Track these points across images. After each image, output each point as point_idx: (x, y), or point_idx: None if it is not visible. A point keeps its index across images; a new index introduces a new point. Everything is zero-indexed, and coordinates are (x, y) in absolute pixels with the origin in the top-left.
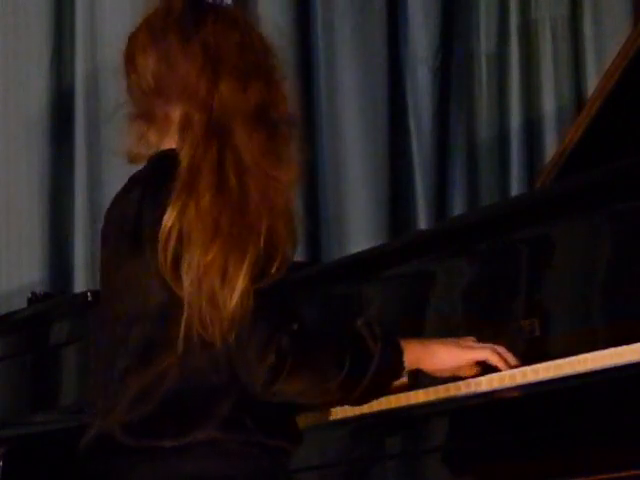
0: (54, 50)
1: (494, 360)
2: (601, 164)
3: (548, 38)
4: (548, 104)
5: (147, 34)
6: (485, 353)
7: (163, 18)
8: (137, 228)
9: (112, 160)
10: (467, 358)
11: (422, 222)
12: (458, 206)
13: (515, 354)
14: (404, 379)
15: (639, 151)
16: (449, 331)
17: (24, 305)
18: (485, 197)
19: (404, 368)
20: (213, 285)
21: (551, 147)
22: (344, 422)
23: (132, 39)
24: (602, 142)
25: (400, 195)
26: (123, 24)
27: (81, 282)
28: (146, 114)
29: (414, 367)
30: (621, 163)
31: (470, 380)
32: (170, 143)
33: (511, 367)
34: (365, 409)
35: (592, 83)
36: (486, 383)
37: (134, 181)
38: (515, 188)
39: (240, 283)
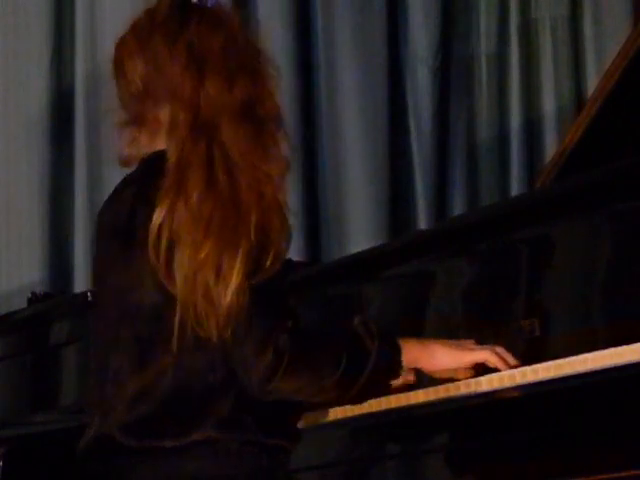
0: (54, 50)
1: (493, 361)
2: (601, 164)
3: (548, 38)
4: (548, 104)
5: (134, 38)
6: (484, 354)
7: (149, 21)
8: (130, 228)
9: (112, 160)
10: (466, 360)
11: (422, 222)
12: (458, 206)
13: (515, 354)
14: (410, 377)
15: (639, 151)
16: (449, 331)
17: (24, 305)
18: (485, 197)
19: (402, 367)
20: (208, 281)
21: (551, 147)
22: (344, 422)
23: (119, 44)
24: (602, 142)
25: (400, 195)
26: (123, 24)
27: (81, 282)
28: (137, 117)
29: (412, 366)
30: (621, 163)
31: (470, 380)
32: (161, 144)
33: (511, 368)
34: (365, 409)
35: (592, 83)
36: (486, 383)
37: (126, 182)
38: (515, 188)
39: (234, 279)
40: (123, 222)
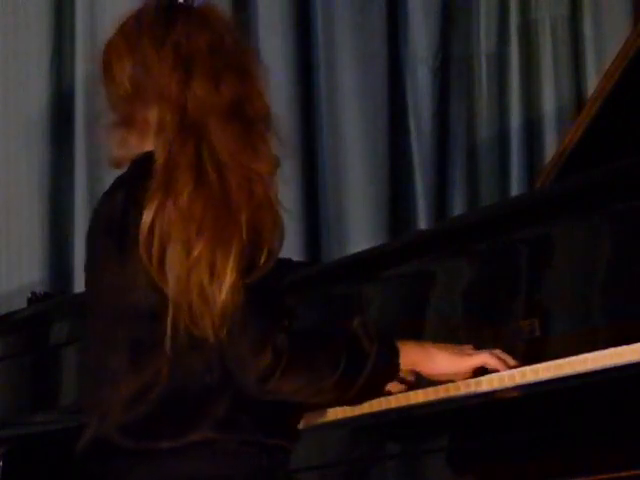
0: (54, 50)
1: (492, 363)
2: (601, 164)
3: (548, 38)
4: (548, 104)
5: (122, 40)
6: (483, 358)
7: (136, 23)
8: (122, 229)
9: None
10: (465, 365)
11: (422, 222)
12: (458, 206)
13: (515, 354)
14: (411, 378)
15: (639, 151)
16: (449, 331)
17: (24, 305)
18: (485, 197)
19: (399, 369)
20: (202, 280)
21: (551, 147)
22: (344, 422)
23: (107, 47)
24: (602, 142)
25: (400, 195)
26: None
27: (81, 282)
28: (126, 119)
29: (410, 369)
30: (621, 163)
31: (470, 380)
32: (151, 145)
33: (510, 369)
34: (365, 409)
35: (592, 83)
36: (486, 383)
37: (117, 183)
38: (515, 188)
39: (228, 277)
40: (116, 223)
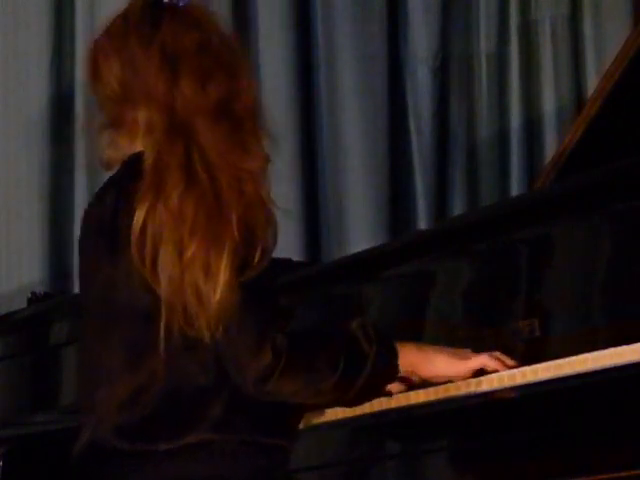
0: (54, 50)
1: (491, 366)
2: (601, 164)
3: (548, 38)
4: (548, 104)
5: (108, 42)
6: (482, 360)
7: (122, 24)
8: (114, 230)
9: None
10: (464, 368)
11: (422, 222)
12: (458, 206)
13: (515, 354)
14: (414, 379)
15: (639, 151)
16: (449, 331)
17: (24, 305)
18: (485, 197)
19: (398, 371)
20: (197, 280)
21: (551, 147)
22: (344, 422)
23: (94, 47)
24: (602, 142)
25: (400, 195)
26: None
27: None
28: (115, 121)
29: (409, 370)
30: (621, 163)
31: (470, 380)
32: (141, 146)
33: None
34: (365, 409)
35: (592, 83)
36: (486, 383)
37: (108, 184)
38: (515, 188)
39: (222, 275)
40: (107, 224)
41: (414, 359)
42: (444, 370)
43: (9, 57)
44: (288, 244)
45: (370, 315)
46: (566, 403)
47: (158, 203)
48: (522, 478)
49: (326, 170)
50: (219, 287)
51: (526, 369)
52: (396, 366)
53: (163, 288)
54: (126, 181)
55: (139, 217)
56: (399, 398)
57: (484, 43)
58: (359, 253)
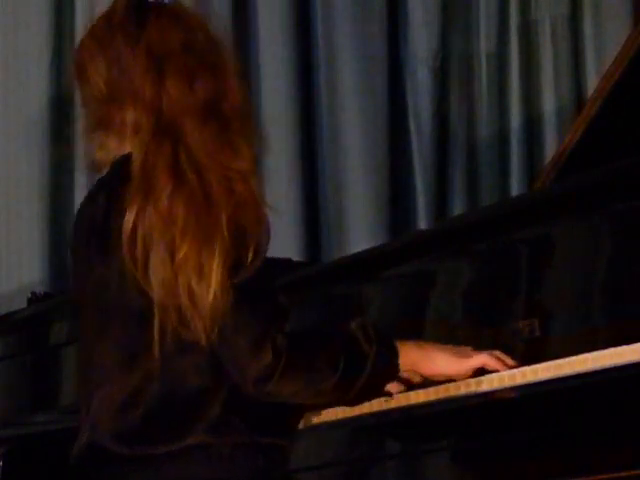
0: (54, 50)
1: (492, 364)
2: (601, 164)
3: (548, 38)
4: (548, 104)
5: (94, 42)
6: (482, 359)
7: (107, 24)
8: (105, 232)
9: None
10: (464, 366)
11: (422, 222)
12: (458, 206)
13: (515, 354)
14: (417, 378)
15: (639, 151)
16: (449, 331)
17: (24, 305)
18: (485, 197)
19: (399, 370)
20: (190, 282)
21: (551, 147)
22: (344, 422)
23: (80, 49)
24: (602, 142)
25: (400, 195)
26: None
27: None
28: (103, 122)
29: (410, 369)
30: (621, 163)
31: (470, 380)
32: (130, 147)
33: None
34: (365, 409)
35: (592, 83)
36: (486, 383)
37: (99, 185)
38: (515, 188)
39: (214, 277)
40: (99, 224)
41: (415, 357)
42: (445, 368)
43: (9, 57)
44: (288, 244)
45: (370, 315)
46: (566, 403)
47: (147, 205)
48: (522, 478)
49: (326, 170)
50: (212, 288)
51: (526, 369)
52: (396, 365)
53: (156, 290)
54: (115, 183)
55: (129, 220)
56: (399, 398)
57: (484, 43)
58: (359, 253)
